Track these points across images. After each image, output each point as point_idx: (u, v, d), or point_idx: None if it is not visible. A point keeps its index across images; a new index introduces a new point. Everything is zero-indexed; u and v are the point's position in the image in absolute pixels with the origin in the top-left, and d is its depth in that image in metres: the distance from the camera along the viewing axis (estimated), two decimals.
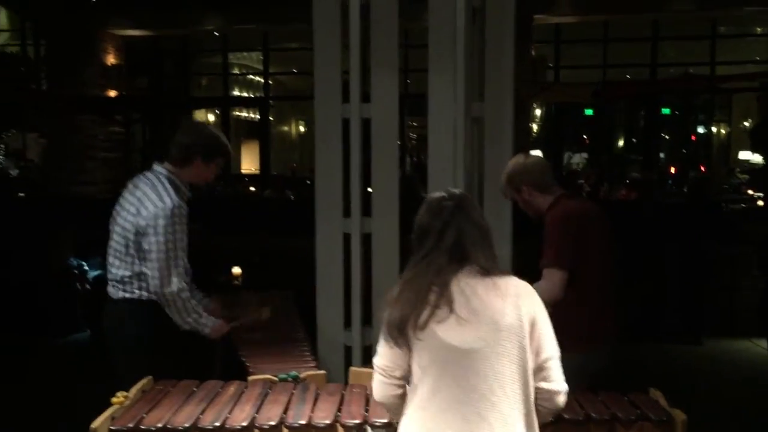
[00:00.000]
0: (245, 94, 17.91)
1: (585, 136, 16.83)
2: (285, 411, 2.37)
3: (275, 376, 2.74)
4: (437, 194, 2.00)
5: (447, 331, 1.83)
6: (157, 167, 3.07)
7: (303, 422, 2.29)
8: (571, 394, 2.58)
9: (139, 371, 2.76)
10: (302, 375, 2.78)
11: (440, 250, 1.90)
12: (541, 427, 2.24)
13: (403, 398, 1.94)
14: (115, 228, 3.04)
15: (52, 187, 13.51)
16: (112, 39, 14.07)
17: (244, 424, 2.25)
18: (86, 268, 7.20)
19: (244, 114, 18.53)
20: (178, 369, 2.84)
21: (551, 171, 3.26)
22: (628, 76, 14.90)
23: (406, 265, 1.97)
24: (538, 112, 16.01)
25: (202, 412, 2.34)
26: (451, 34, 3.62)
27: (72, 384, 4.83)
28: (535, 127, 16.02)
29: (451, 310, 1.84)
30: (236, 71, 17.39)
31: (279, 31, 15.16)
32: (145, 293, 2.97)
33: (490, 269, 1.89)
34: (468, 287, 1.87)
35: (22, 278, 6.49)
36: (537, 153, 15.76)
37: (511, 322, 1.84)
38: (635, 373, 3.25)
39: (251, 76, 17.77)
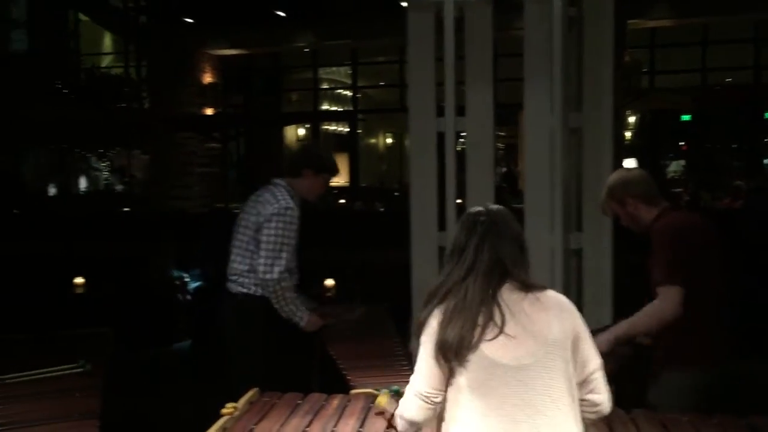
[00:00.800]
0: (334, 108, 18.24)
1: (682, 143, 16.20)
2: (388, 426, 2.38)
3: (377, 390, 2.76)
4: (473, 210, 1.99)
5: (497, 349, 1.82)
6: (276, 180, 3.51)
7: None
8: (682, 416, 2.50)
9: (251, 362, 3.21)
10: (403, 390, 2.78)
11: (480, 267, 1.88)
12: None
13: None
14: (240, 229, 3.46)
15: (154, 201, 14.16)
16: (209, 59, 14.65)
17: None
18: (187, 279, 7.48)
19: (333, 127, 18.85)
20: (282, 366, 3.19)
21: (655, 183, 3.13)
22: (729, 80, 14.27)
23: (442, 283, 1.93)
24: (632, 119, 15.54)
25: (308, 425, 2.38)
26: (547, 44, 3.58)
27: (177, 393, 5.00)
28: (628, 134, 15.55)
29: (500, 329, 1.83)
30: (325, 86, 17.74)
31: (367, 46, 15.38)
32: (260, 290, 3.35)
33: (530, 284, 1.89)
34: (513, 303, 1.86)
35: (127, 290, 6.80)
36: (632, 161, 15.31)
37: (557, 336, 1.84)
38: (747, 393, 3.08)
39: (340, 91, 18.09)
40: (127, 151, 16.98)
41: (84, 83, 15.61)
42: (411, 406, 1.95)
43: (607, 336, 2.79)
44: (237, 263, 3.43)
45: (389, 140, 20.73)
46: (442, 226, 3.86)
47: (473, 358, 1.83)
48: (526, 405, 1.80)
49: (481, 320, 1.83)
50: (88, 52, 17.69)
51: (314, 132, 16.79)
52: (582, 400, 1.90)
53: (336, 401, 2.60)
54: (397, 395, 2.74)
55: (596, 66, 3.67)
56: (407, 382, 2.97)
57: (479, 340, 1.82)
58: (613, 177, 3.15)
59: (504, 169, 16.24)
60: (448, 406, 1.90)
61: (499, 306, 1.85)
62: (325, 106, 17.73)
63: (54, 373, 3.01)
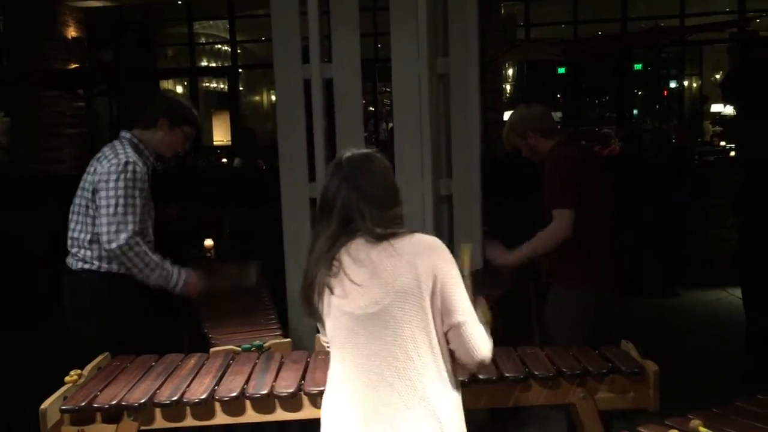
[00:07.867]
0: (213, 64, 17.54)
1: (558, 95, 16.76)
2: (247, 382, 2.28)
3: (239, 346, 2.65)
4: (337, 156, 1.88)
5: (342, 298, 1.78)
6: (122, 132, 3.05)
7: (265, 392, 2.21)
8: (540, 350, 2.55)
9: (98, 345, 2.65)
10: (267, 344, 2.70)
11: (332, 219, 1.81)
12: (512, 382, 2.22)
13: None
14: (77, 191, 2.97)
15: (18, 166, 13.19)
16: (72, 11, 13.63)
17: (203, 396, 2.16)
18: None
19: (213, 85, 18.18)
20: (141, 346, 2.74)
21: (552, 117, 3.37)
22: (600, 33, 14.78)
23: (313, 231, 1.90)
24: (510, 72, 15.88)
25: (159, 387, 2.25)
26: None
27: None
28: (508, 87, 15.90)
29: (345, 278, 1.77)
30: (203, 41, 17.00)
31: None
32: (104, 264, 2.85)
33: (383, 234, 1.77)
34: (360, 253, 1.78)
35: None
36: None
37: (407, 283, 1.73)
38: (613, 327, 3.25)
39: (218, 46, 17.39)
40: None
41: None
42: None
43: (512, 258, 3.12)
44: (77, 232, 2.89)
45: (273, 97, 20.22)
46: (312, 176, 3.76)
47: (326, 308, 1.81)
48: (374, 355, 1.75)
49: (327, 270, 1.78)
50: None
51: (192, 89, 16.08)
52: (451, 350, 1.81)
53: (193, 361, 2.48)
54: (260, 350, 2.66)
55: (461, 10, 3.64)
56: (272, 336, 2.90)
57: (325, 289, 1.79)
58: (515, 113, 3.37)
59: (391, 125, 16.26)
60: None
61: (345, 256, 1.78)
62: (203, 62, 17.02)
63: None
